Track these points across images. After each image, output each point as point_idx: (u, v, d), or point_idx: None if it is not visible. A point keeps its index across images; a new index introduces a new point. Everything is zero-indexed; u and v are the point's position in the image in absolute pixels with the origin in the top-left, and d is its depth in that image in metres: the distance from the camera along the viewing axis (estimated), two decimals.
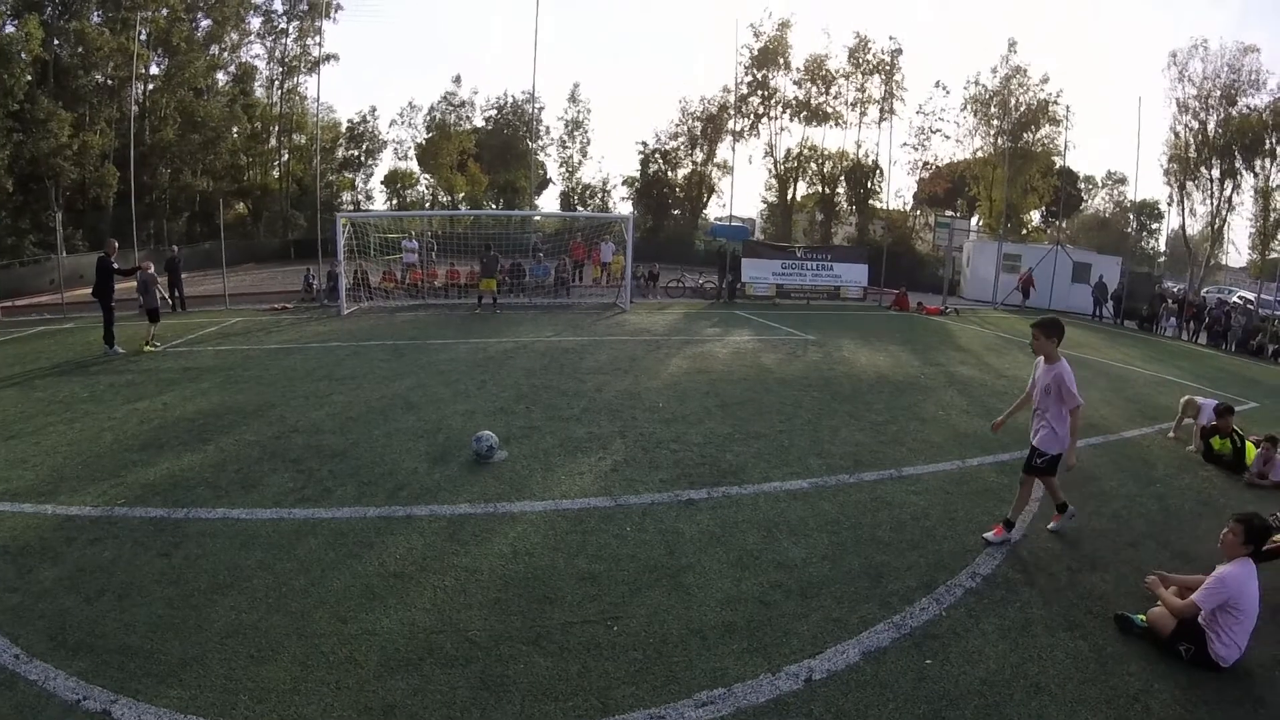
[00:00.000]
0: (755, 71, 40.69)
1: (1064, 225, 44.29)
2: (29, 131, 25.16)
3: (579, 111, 47.09)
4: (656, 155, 45.12)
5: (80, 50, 28.06)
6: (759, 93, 41.11)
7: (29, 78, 25.07)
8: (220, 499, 6.09)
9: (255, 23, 39.17)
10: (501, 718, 3.47)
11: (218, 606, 4.42)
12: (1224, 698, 3.87)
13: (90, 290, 13.09)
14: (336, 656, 3.91)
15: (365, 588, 4.63)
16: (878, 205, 41.65)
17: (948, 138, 45.05)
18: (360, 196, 49.49)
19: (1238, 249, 39.77)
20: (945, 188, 41.65)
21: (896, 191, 62.10)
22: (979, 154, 38.41)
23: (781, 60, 40.55)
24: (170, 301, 19.19)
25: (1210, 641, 4.06)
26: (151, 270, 14.12)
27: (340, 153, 48.08)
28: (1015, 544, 5.44)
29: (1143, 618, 4.32)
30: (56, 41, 27.69)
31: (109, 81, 29.70)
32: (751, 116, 41.70)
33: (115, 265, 13.14)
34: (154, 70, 33.14)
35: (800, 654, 4.00)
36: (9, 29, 24.69)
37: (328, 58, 41.37)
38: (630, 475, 6.71)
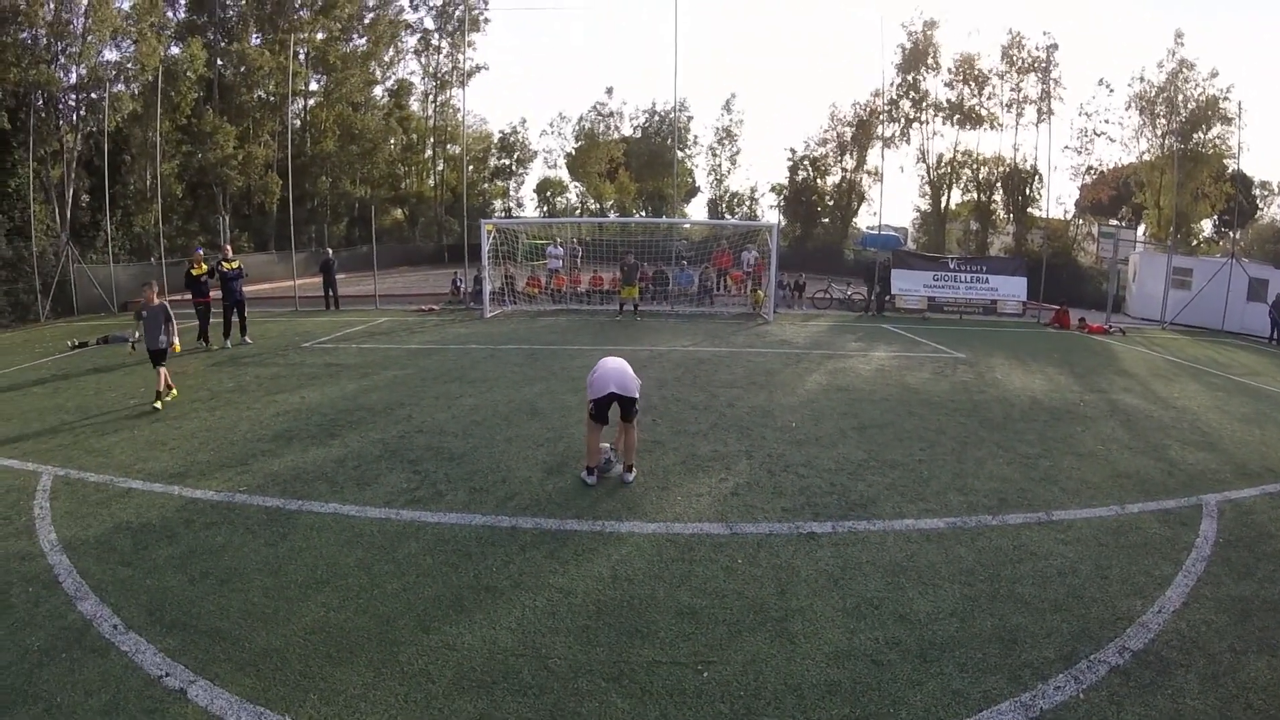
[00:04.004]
0: (905, 74, 38.82)
1: (1237, 236, 39.15)
2: (197, 143, 27.98)
3: (732, 121, 46.94)
4: (805, 162, 44.08)
5: (242, 69, 30.75)
6: (909, 95, 39.16)
7: (196, 95, 27.84)
8: (335, 494, 6.22)
9: (410, 41, 41.60)
10: None
11: (310, 601, 4.46)
12: None
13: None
14: (412, 667, 3.80)
15: (455, 598, 4.50)
16: (1037, 213, 38.56)
17: (1112, 140, 41.07)
18: (512, 204, 51.37)
19: None
20: (1109, 194, 37.89)
21: (1057, 199, 57.10)
22: (1145, 157, 34.66)
23: (931, 60, 38.44)
24: (329, 301, 20.69)
25: None
26: (158, 303, 9.85)
27: (492, 162, 50.17)
28: (1175, 613, 4.54)
29: None
30: (220, 61, 30.54)
31: (270, 98, 32.24)
32: (902, 121, 39.79)
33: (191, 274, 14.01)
34: (313, 86, 35.87)
35: None
36: (175, 50, 27.35)
37: (477, 68, 43.34)
38: (750, 501, 6.25)
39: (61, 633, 4.08)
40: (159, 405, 9.19)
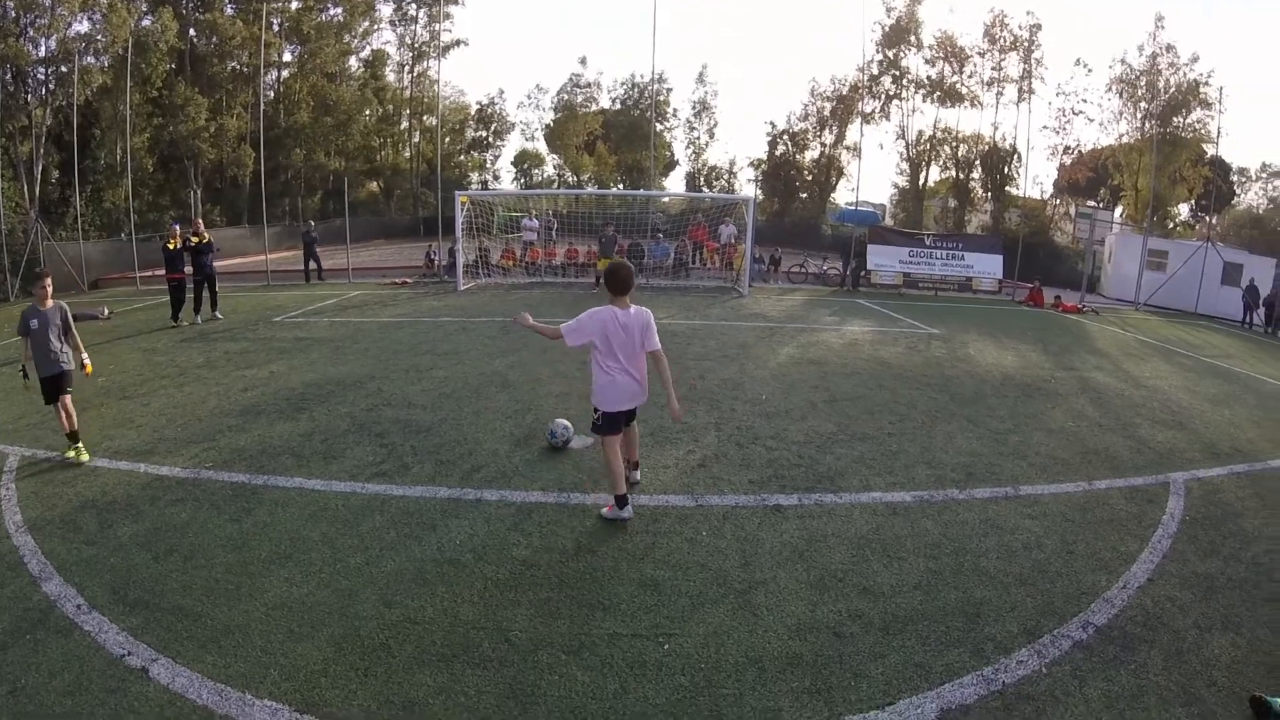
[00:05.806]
0: (886, 50, 38.67)
1: (1214, 221, 39.58)
2: (168, 116, 27.37)
3: (706, 92, 46.65)
4: (785, 137, 43.92)
5: (215, 40, 30.04)
6: (890, 72, 39.04)
7: (169, 66, 27.13)
8: (300, 468, 6.15)
9: (386, 10, 40.85)
10: None
11: (272, 577, 4.41)
12: None
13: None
14: (372, 642, 3.77)
15: (418, 572, 4.46)
16: (1015, 192, 38.76)
17: (1090, 120, 40.98)
18: (489, 176, 50.77)
19: None
20: (1087, 175, 38.20)
21: (1035, 178, 57.78)
22: (1124, 139, 34.87)
23: (913, 38, 38.33)
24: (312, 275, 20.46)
25: None
26: (52, 304, 6.54)
27: (469, 134, 49.50)
28: (1140, 589, 4.56)
29: None
30: (192, 32, 29.82)
31: (244, 69, 31.61)
32: (882, 97, 39.72)
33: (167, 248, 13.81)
34: (287, 57, 35.27)
35: (868, 703, 3.40)
36: (146, 22, 26.65)
37: (456, 43, 42.69)
38: (717, 473, 6.24)
39: (25, 614, 4.02)
40: (85, 455, 6.34)
